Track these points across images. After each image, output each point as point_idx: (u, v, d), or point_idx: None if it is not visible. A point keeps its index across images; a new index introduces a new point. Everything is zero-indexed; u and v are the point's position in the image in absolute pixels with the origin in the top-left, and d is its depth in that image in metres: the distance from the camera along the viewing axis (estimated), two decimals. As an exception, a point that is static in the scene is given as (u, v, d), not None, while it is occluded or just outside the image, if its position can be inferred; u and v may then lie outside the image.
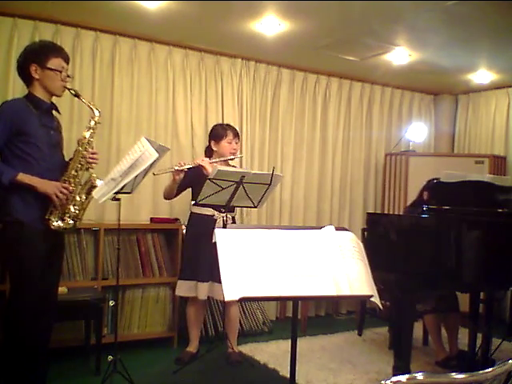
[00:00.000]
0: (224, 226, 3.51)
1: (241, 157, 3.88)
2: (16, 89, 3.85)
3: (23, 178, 2.54)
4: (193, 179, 3.59)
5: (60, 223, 2.65)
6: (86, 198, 2.75)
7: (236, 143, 3.72)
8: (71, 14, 3.89)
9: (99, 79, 4.19)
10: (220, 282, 3.66)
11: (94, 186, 2.73)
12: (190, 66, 4.59)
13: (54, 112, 2.83)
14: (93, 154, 2.75)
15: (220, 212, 3.56)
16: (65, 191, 2.61)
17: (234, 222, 3.75)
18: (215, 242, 3.66)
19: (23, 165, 2.57)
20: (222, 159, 3.64)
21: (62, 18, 3.97)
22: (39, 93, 2.68)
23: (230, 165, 3.78)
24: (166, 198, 3.78)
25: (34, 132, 2.60)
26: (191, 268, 3.64)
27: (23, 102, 2.65)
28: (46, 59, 2.64)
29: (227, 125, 3.86)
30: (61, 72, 2.68)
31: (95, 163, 2.77)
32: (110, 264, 3.88)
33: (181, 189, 3.70)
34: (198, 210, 3.65)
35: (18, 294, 2.63)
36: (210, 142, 3.79)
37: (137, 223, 4.17)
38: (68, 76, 2.73)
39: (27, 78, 2.69)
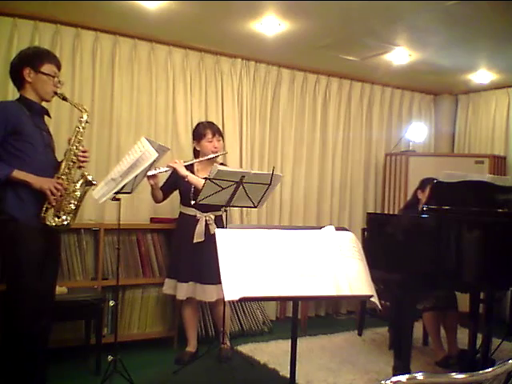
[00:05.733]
0: (206, 226, 3.52)
1: (223, 154, 3.78)
2: (16, 88, 3.84)
3: (18, 174, 2.58)
4: (175, 181, 3.61)
5: (56, 220, 2.66)
6: (81, 194, 2.75)
7: (218, 141, 3.71)
8: (71, 14, 3.89)
9: (99, 79, 4.18)
10: (202, 283, 3.72)
11: (87, 181, 2.75)
12: (190, 66, 4.59)
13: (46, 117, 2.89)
14: (84, 152, 2.79)
15: (202, 212, 3.56)
16: (59, 187, 2.64)
17: (221, 220, 3.69)
18: (197, 243, 3.69)
19: (18, 162, 2.61)
20: (202, 159, 3.64)
21: (62, 18, 3.97)
22: (31, 96, 2.74)
23: (216, 163, 3.72)
24: (156, 203, 3.78)
25: (28, 131, 2.65)
26: (174, 267, 3.69)
27: (16, 104, 2.72)
28: (39, 64, 2.71)
29: (208, 122, 3.85)
30: (53, 77, 2.75)
31: (86, 161, 2.81)
32: (110, 264, 3.88)
33: (166, 191, 3.71)
34: (183, 209, 3.68)
35: (14, 293, 2.63)
36: (193, 142, 3.81)
37: (137, 223, 4.17)
38: (59, 82, 2.80)
39: (20, 81, 2.75)
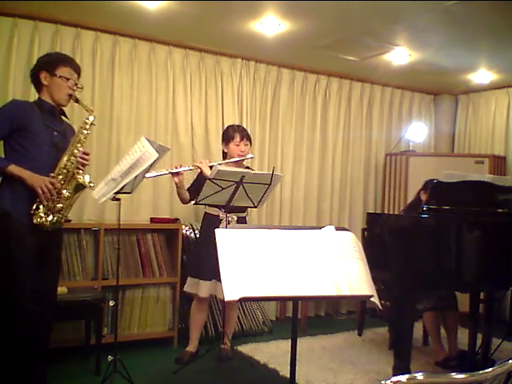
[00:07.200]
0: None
1: (250, 158, 3.83)
2: (16, 88, 3.85)
3: (14, 169, 2.60)
4: (201, 182, 3.61)
5: (43, 219, 2.65)
6: (70, 196, 2.74)
7: (245, 145, 3.74)
8: (71, 14, 3.89)
9: (99, 79, 4.18)
10: (223, 282, 3.69)
11: (79, 184, 2.74)
12: (190, 66, 4.59)
13: (64, 118, 2.92)
14: (84, 153, 2.78)
15: (225, 212, 3.58)
16: (50, 186, 2.63)
17: (244, 222, 3.75)
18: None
19: (20, 159, 2.63)
20: (229, 161, 3.66)
21: (62, 17, 3.97)
22: (47, 99, 2.79)
23: (242, 166, 3.79)
24: (183, 203, 3.77)
25: (35, 129, 2.67)
26: (196, 265, 3.70)
27: (28, 103, 2.78)
28: (55, 67, 2.76)
29: (238, 126, 3.88)
30: (68, 79, 2.78)
31: (86, 164, 2.80)
32: (110, 264, 3.88)
33: (193, 192, 3.68)
34: (208, 209, 3.72)
35: (9, 292, 2.62)
36: (222, 144, 3.85)
37: (137, 223, 4.17)
38: (76, 84, 2.82)
39: (38, 85, 2.81)
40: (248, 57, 4.83)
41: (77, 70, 2.84)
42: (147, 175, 3.34)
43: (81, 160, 2.76)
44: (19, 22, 3.87)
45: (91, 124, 2.81)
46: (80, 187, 2.75)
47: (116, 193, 2.96)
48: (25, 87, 3.88)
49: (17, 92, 3.84)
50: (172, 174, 3.46)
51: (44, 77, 2.75)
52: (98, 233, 3.80)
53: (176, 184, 3.55)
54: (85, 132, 2.78)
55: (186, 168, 3.53)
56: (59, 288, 3.05)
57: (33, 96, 3.75)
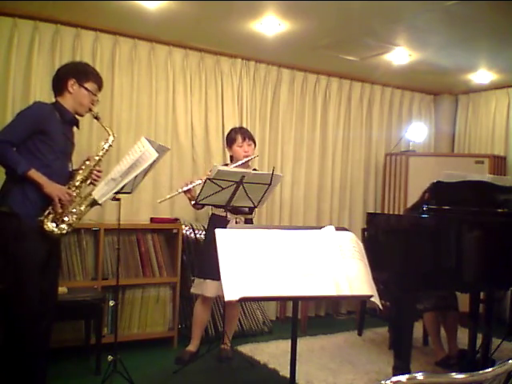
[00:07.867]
0: None
1: (254, 157, 3.83)
2: (16, 88, 3.85)
3: (34, 174, 2.62)
4: None
5: (54, 227, 2.68)
6: (84, 210, 2.81)
7: (248, 145, 3.74)
8: (71, 14, 3.89)
9: (99, 79, 4.18)
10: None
11: (95, 200, 2.82)
12: (190, 66, 4.59)
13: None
14: (98, 171, 2.88)
15: (232, 213, 3.58)
16: (67, 197, 2.69)
17: (251, 224, 3.76)
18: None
19: (33, 161, 2.64)
20: (235, 165, 3.65)
21: (61, 18, 3.97)
22: (67, 105, 2.82)
23: (249, 168, 3.78)
24: (196, 209, 3.80)
25: (54, 136, 2.71)
26: (202, 266, 3.71)
27: (51, 108, 2.78)
28: (85, 80, 2.82)
29: (239, 128, 3.91)
30: (94, 95, 2.86)
31: (98, 181, 2.90)
32: (110, 264, 3.88)
33: None
34: (215, 211, 3.73)
35: (15, 292, 2.63)
36: (226, 148, 3.88)
37: (137, 223, 4.17)
38: (97, 100, 2.91)
39: (60, 89, 2.83)
40: (248, 57, 4.83)
41: (100, 88, 2.92)
42: (160, 200, 3.49)
43: (94, 176, 2.86)
44: (19, 22, 3.87)
45: (110, 145, 2.91)
46: (94, 203, 2.83)
47: (116, 193, 2.97)
48: (25, 87, 3.88)
49: (17, 92, 3.85)
50: (184, 192, 3.48)
51: (72, 84, 2.78)
52: (98, 233, 3.80)
53: (189, 199, 3.56)
54: (104, 152, 2.90)
55: (196, 183, 3.52)
56: (59, 288, 3.06)
57: (32, 96, 3.79)
